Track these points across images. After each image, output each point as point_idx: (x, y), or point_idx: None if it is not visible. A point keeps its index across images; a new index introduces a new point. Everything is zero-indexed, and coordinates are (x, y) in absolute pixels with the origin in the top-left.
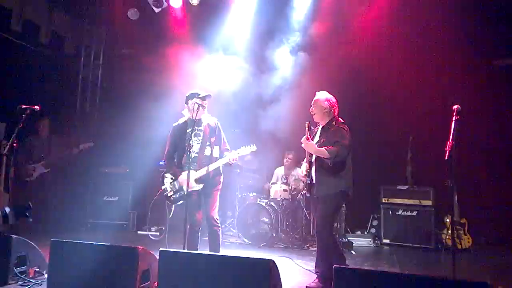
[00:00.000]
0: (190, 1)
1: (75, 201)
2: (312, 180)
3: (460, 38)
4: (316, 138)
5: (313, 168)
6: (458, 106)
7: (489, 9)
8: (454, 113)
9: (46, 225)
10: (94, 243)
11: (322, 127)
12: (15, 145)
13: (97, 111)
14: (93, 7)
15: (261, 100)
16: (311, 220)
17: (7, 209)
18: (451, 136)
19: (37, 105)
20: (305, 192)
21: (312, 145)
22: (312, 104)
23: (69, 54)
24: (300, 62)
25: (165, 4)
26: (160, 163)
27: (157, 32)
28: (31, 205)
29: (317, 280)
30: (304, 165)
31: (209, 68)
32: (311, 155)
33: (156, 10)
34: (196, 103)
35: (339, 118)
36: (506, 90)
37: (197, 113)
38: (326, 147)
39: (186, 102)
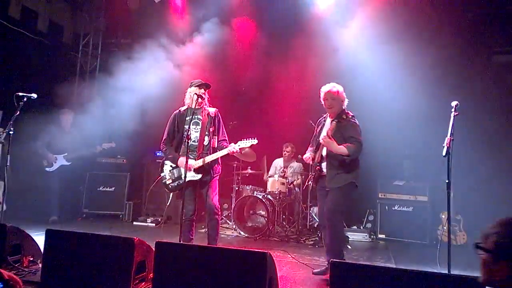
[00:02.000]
0: None
1: (71, 191)
2: (322, 171)
3: (460, 35)
4: (325, 132)
5: (325, 161)
6: (457, 102)
7: (488, 5)
8: (453, 109)
9: (41, 214)
10: (89, 233)
11: (332, 120)
12: (11, 132)
13: (94, 101)
14: None
15: (261, 92)
16: (308, 213)
17: None
18: (449, 132)
19: (34, 93)
20: (311, 183)
21: (334, 144)
22: (327, 97)
23: (67, 43)
24: (297, 53)
25: None
26: (158, 153)
27: (156, 22)
28: None
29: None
30: (309, 154)
31: (209, 58)
32: (323, 148)
33: (156, 0)
34: (195, 93)
35: (348, 112)
36: (505, 86)
37: (196, 102)
38: (345, 145)
39: (189, 87)
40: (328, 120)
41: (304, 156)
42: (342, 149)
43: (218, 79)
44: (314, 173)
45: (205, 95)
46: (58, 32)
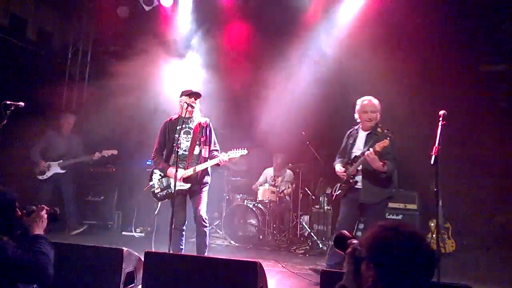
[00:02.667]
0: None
1: (58, 201)
2: (356, 183)
3: (447, 45)
4: (359, 145)
5: (360, 174)
6: (444, 111)
7: (476, 16)
8: (440, 119)
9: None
10: (76, 244)
11: (369, 133)
12: None
13: (83, 109)
14: (81, 3)
15: (250, 101)
16: (298, 222)
17: None
18: (437, 141)
19: (22, 102)
20: (339, 192)
21: (377, 161)
22: (367, 109)
23: (57, 51)
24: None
25: (155, 3)
26: (148, 162)
27: (146, 30)
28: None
29: None
30: (339, 165)
31: (198, 67)
32: (360, 161)
33: (147, 8)
34: (185, 102)
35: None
36: (492, 96)
37: (186, 111)
38: (383, 162)
39: (180, 97)
40: (362, 133)
41: (336, 169)
42: (381, 167)
43: (208, 87)
44: (345, 185)
45: (195, 104)
46: (47, 40)
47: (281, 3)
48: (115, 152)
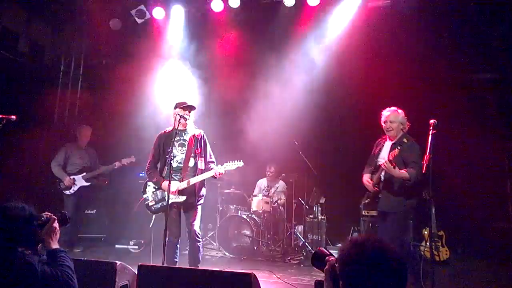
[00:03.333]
0: (173, 14)
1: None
2: (380, 194)
3: (438, 53)
4: (384, 154)
5: (382, 184)
6: (435, 120)
7: (466, 25)
8: (431, 127)
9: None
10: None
11: (393, 143)
12: None
13: (76, 121)
14: (73, 16)
15: (242, 112)
16: (293, 232)
17: None
18: (428, 150)
19: (14, 115)
20: (367, 201)
21: (393, 169)
22: (386, 120)
23: (48, 64)
24: (278, 73)
25: (148, 15)
26: (140, 174)
27: (139, 43)
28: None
29: None
30: (366, 176)
31: (191, 79)
32: (382, 170)
33: (139, 21)
34: (178, 114)
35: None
36: (483, 103)
37: (179, 123)
38: (406, 170)
39: (174, 109)
40: (388, 142)
41: (364, 179)
42: (403, 174)
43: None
44: (370, 194)
45: (189, 116)
46: (40, 53)
47: (272, 14)
48: (133, 159)
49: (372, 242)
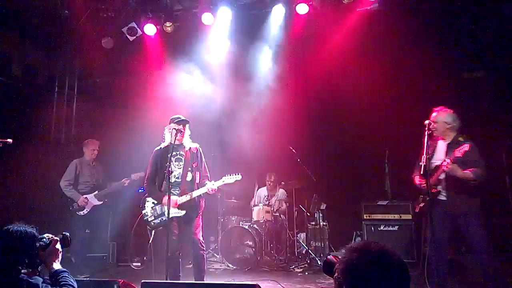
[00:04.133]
0: (164, 29)
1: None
2: (440, 195)
3: (430, 54)
4: (440, 155)
5: (443, 185)
6: (429, 121)
7: (458, 24)
8: (426, 128)
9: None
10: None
11: (449, 143)
12: None
13: (72, 141)
14: (65, 37)
15: (240, 122)
16: (295, 240)
17: None
18: (424, 151)
19: (10, 139)
20: (423, 204)
21: (458, 170)
22: (434, 121)
23: (43, 85)
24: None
25: (139, 32)
26: (140, 190)
27: (132, 60)
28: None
29: None
30: (417, 178)
31: (186, 92)
32: (440, 171)
33: (131, 38)
34: (174, 128)
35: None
36: (475, 102)
37: (175, 138)
38: (470, 170)
39: (169, 123)
40: (441, 142)
41: (416, 182)
42: (467, 174)
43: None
44: (426, 196)
45: (184, 130)
46: (33, 75)
47: (266, 20)
48: (142, 174)
49: (372, 245)
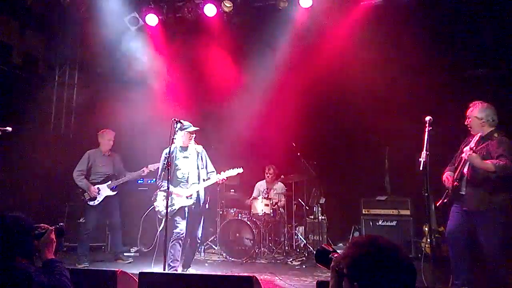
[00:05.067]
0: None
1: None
2: (460, 189)
3: (433, 50)
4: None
5: (464, 179)
6: (430, 117)
7: (460, 22)
8: (427, 124)
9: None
10: (70, 267)
11: (482, 137)
12: None
13: (72, 132)
14: (66, 26)
15: (240, 115)
16: (293, 233)
17: None
18: (424, 147)
19: (9, 127)
20: (446, 200)
21: (477, 158)
22: (468, 116)
23: (43, 74)
24: (276, 76)
25: (141, 23)
26: (139, 181)
27: (133, 50)
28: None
29: None
30: (446, 174)
31: (186, 84)
32: (465, 163)
33: (132, 28)
34: (185, 135)
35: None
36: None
37: (188, 142)
38: (491, 161)
39: (179, 129)
40: (475, 138)
41: (443, 176)
42: (487, 164)
43: (196, 103)
44: (448, 190)
45: (193, 135)
46: (33, 64)
47: (268, 14)
48: (158, 165)
49: (380, 241)
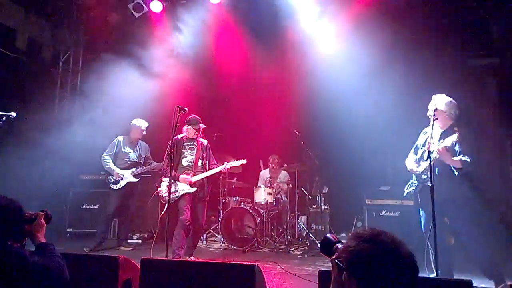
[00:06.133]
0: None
1: (54, 210)
2: (428, 180)
3: (437, 40)
4: (435, 142)
5: (431, 171)
6: (436, 107)
7: (464, 11)
8: (432, 114)
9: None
10: (72, 253)
11: (443, 131)
12: None
13: (76, 117)
14: (71, 11)
15: (243, 104)
16: (296, 222)
17: None
18: (430, 136)
19: (14, 112)
20: (411, 189)
21: (448, 155)
22: (435, 108)
23: (47, 60)
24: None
25: (145, 9)
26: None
27: (137, 37)
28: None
29: None
30: (409, 162)
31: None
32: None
33: (136, 15)
34: (192, 130)
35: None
36: (480, 89)
37: (194, 136)
38: (459, 159)
39: (187, 123)
40: (437, 129)
41: (408, 165)
42: (456, 161)
43: (200, 91)
44: (417, 182)
45: (200, 131)
46: (38, 49)
47: (271, 4)
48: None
49: (383, 236)
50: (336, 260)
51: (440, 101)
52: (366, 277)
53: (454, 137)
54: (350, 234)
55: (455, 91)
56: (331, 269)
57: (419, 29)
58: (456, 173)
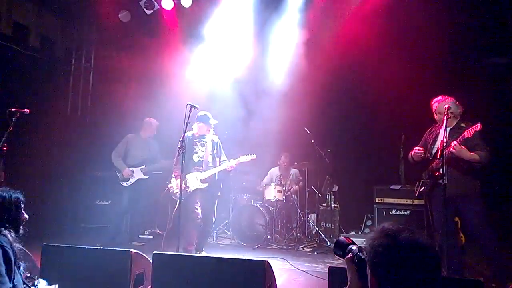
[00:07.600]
0: (182, 3)
1: (67, 206)
2: (441, 178)
3: (450, 38)
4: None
5: (444, 169)
6: (449, 105)
7: (478, 10)
8: (445, 112)
9: (37, 230)
10: (86, 247)
11: (451, 128)
12: (4, 149)
13: (89, 114)
14: (83, 9)
15: (254, 101)
16: (306, 220)
17: None
18: (442, 135)
19: (27, 109)
20: (423, 188)
21: (465, 151)
22: (434, 110)
23: (60, 57)
24: (292, 62)
25: (156, 6)
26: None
27: (149, 34)
28: None
29: None
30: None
31: (202, 71)
32: (449, 152)
33: (148, 12)
34: (203, 127)
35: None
36: (495, 88)
37: (206, 132)
38: (476, 152)
39: (198, 120)
40: (442, 130)
41: (415, 153)
42: (474, 155)
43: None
44: (430, 180)
45: (211, 127)
46: (50, 46)
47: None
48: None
49: (405, 232)
50: (355, 259)
51: (447, 103)
52: (387, 276)
53: (465, 133)
54: (375, 228)
55: (468, 89)
56: (346, 269)
57: (433, 27)
58: (474, 168)
